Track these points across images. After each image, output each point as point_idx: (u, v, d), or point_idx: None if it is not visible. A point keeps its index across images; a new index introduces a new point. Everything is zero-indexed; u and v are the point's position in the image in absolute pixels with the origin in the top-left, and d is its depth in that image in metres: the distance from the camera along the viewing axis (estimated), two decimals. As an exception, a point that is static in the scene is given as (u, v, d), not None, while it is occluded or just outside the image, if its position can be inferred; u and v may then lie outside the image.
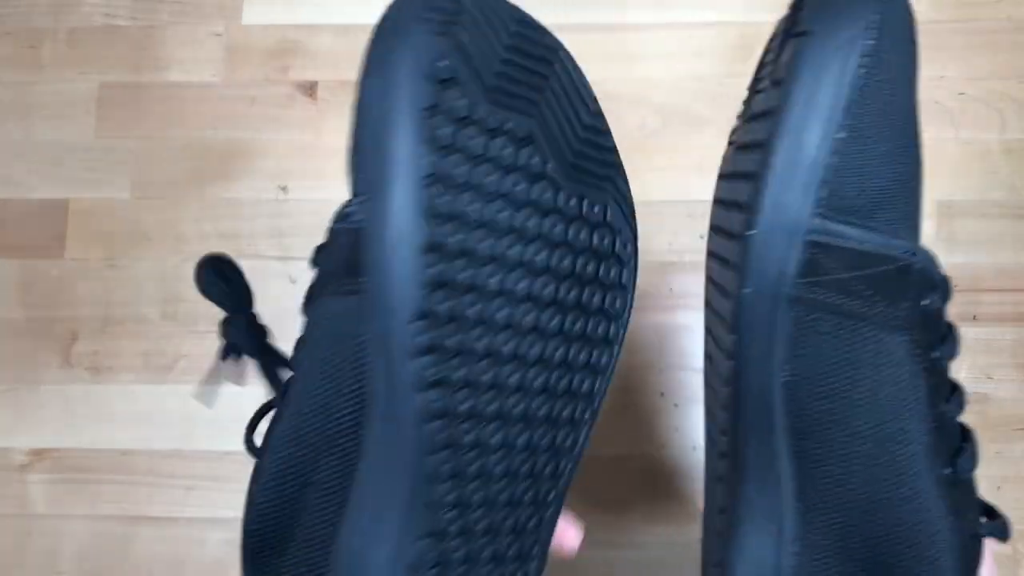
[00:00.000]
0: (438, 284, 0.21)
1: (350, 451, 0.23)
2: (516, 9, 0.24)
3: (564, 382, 0.25)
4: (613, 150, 0.28)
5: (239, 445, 0.54)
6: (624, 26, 0.55)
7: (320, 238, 0.58)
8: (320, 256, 0.26)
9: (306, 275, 0.57)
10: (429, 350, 0.21)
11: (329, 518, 0.23)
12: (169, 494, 0.50)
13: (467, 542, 0.23)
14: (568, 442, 0.25)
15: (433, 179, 0.21)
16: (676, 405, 0.50)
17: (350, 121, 0.22)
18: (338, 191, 0.59)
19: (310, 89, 0.54)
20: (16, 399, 0.51)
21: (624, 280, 0.27)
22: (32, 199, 0.54)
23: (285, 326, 0.54)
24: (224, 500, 0.50)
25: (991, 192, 0.52)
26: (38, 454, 0.51)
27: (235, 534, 0.52)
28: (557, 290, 0.25)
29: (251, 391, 0.52)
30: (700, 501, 0.48)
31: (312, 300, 0.25)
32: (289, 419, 0.24)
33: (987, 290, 0.51)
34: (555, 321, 0.25)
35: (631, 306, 0.28)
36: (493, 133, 0.22)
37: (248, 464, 0.55)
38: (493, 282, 0.23)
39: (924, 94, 0.57)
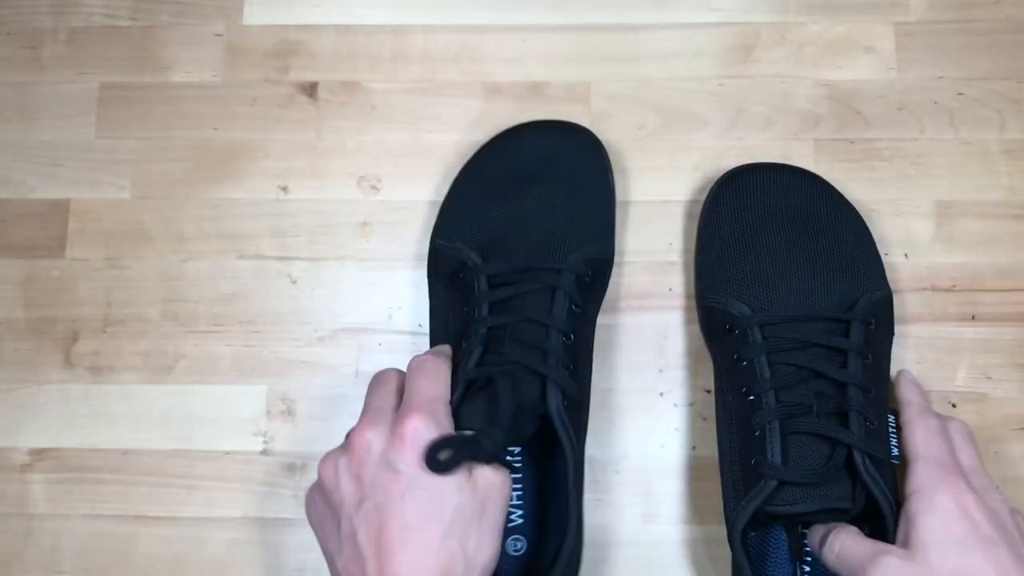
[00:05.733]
0: None
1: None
2: None
3: None
4: None
5: (240, 445, 0.55)
6: (624, 26, 0.55)
7: (320, 237, 0.58)
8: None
9: (306, 275, 0.58)
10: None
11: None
12: (170, 494, 0.50)
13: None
14: None
15: None
16: (676, 405, 0.50)
17: None
18: (338, 190, 0.60)
19: (310, 89, 0.54)
20: (16, 399, 0.52)
21: None
22: (32, 199, 0.54)
23: (286, 326, 0.54)
24: (225, 499, 0.50)
25: (990, 192, 0.52)
26: (39, 454, 0.51)
27: (236, 534, 0.53)
28: None
29: (251, 390, 0.53)
30: (699, 500, 0.48)
31: None
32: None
33: (986, 290, 0.51)
34: None
35: None
36: None
37: (247, 464, 0.55)
38: None
39: (923, 94, 0.58)
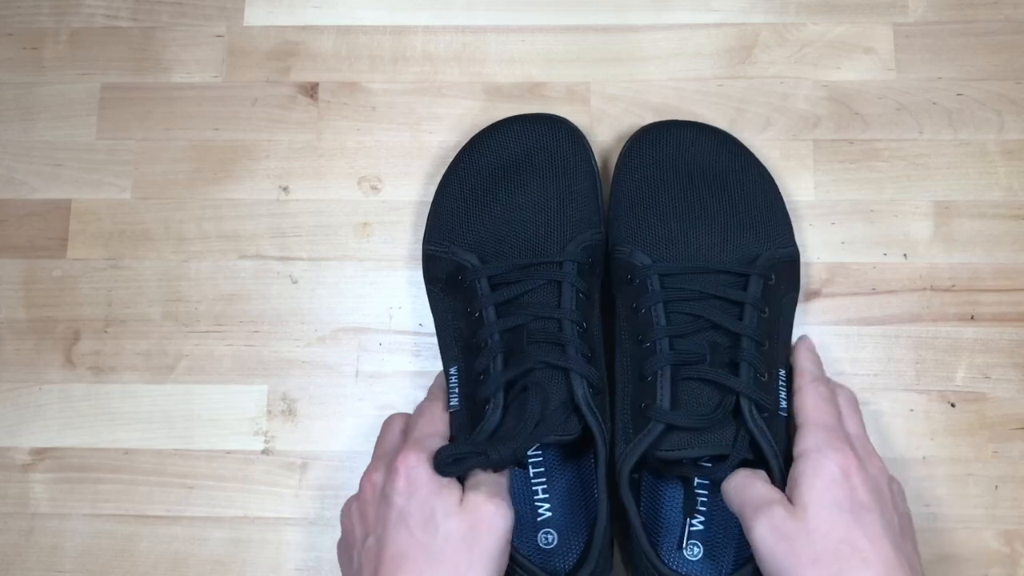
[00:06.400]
0: None
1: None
2: None
3: None
4: None
5: (240, 444, 0.55)
6: (624, 27, 0.55)
7: (321, 238, 0.58)
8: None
9: (307, 275, 0.57)
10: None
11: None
12: (171, 493, 0.50)
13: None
14: None
15: None
16: (675, 405, 0.50)
17: None
18: (338, 191, 0.60)
19: (311, 90, 0.55)
20: (17, 399, 0.52)
21: None
22: (34, 199, 0.54)
23: (286, 325, 0.54)
24: (226, 499, 0.50)
25: (989, 192, 0.52)
26: (40, 453, 0.51)
27: (236, 533, 0.53)
28: None
29: (252, 389, 0.53)
30: (699, 500, 0.48)
31: None
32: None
33: (985, 290, 0.51)
34: None
35: None
36: None
37: (248, 464, 0.55)
38: None
39: (922, 95, 0.58)
